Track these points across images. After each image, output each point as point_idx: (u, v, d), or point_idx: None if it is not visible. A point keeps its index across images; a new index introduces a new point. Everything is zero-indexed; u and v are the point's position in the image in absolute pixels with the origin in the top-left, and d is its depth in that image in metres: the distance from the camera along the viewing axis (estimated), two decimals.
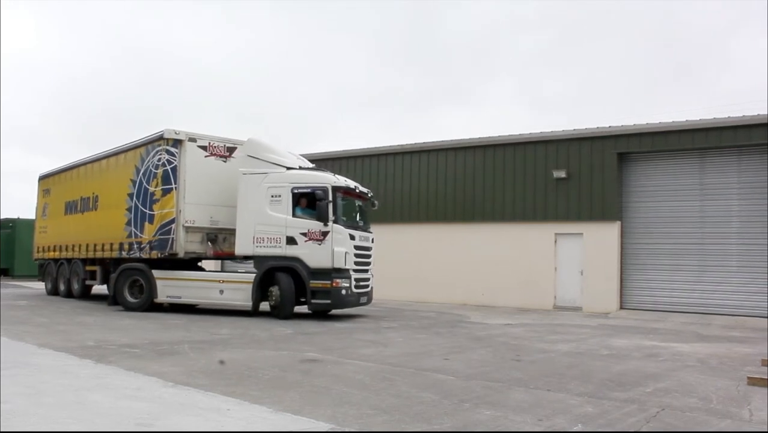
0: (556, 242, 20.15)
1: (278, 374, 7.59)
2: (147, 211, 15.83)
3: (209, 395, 6.29)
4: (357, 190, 15.74)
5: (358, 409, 5.92)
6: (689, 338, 13.11)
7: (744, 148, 17.88)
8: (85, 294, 19.92)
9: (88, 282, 19.20)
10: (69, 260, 20.19)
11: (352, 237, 14.97)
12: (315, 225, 14.49)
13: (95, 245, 18.17)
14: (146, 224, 15.85)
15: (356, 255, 15.04)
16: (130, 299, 16.01)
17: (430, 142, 22.98)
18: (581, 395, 6.84)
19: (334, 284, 14.34)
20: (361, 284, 15.33)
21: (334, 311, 15.80)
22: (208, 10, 68.83)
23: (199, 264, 17.51)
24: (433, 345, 10.85)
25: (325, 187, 14.65)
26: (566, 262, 19.96)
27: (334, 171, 24.85)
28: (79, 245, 19.19)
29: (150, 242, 15.67)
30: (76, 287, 19.80)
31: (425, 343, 11.16)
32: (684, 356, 10.27)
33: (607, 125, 19.57)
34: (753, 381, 7.62)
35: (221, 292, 15.21)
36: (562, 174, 19.86)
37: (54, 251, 21.31)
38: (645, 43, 60.47)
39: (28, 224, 29.29)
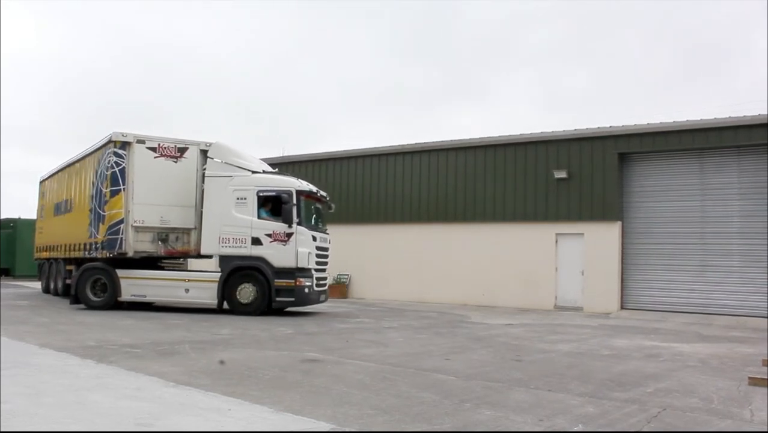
0: (556, 242, 20.14)
1: (279, 374, 7.59)
2: (101, 212, 16.14)
3: (210, 395, 6.29)
4: (318, 194, 16.52)
5: (359, 409, 5.92)
6: (690, 338, 13.11)
7: (744, 148, 17.86)
8: (67, 292, 20.40)
9: (68, 281, 19.69)
10: (56, 260, 20.65)
11: (314, 238, 15.74)
12: (280, 227, 15.23)
13: (69, 246, 18.74)
14: (100, 224, 16.17)
15: (317, 255, 15.82)
16: (92, 297, 16.23)
17: (430, 143, 22.98)
18: (582, 395, 6.83)
19: (297, 283, 15.12)
20: (321, 282, 16.14)
21: (295, 308, 16.32)
22: (209, 7, 68.82)
23: (181, 262, 18.22)
24: (433, 345, 10.84)
25: (290, 190, 15.39)
26: (567, 262, 19.95)
27: (336, 171, 24.97)
28: (60, 246, 19.83)
29: (102, 242, 15.96)
30: (60, 285, 20.40)
31: (426, 343, 11.16)
32: (685, 356, 10.26)
33: (608, 125, 19.58)
34: (754, 381, 7.62)
35: (187, 290, 15.72)
36: (563, 174, 19.86)
37: (46, 251, 22.11)
38: (662, 38, 60.25)
39: (29, 224, 29.38)
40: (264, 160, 26.77)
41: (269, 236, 15.23)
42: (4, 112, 63.86)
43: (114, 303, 15.97)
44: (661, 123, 18.77)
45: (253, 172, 15.97)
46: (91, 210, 16.90)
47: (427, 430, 5.29)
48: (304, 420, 5.43)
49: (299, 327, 13.16)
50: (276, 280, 15.10)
